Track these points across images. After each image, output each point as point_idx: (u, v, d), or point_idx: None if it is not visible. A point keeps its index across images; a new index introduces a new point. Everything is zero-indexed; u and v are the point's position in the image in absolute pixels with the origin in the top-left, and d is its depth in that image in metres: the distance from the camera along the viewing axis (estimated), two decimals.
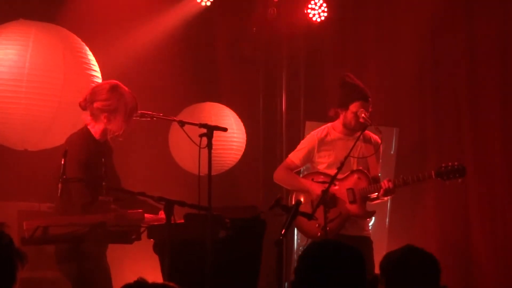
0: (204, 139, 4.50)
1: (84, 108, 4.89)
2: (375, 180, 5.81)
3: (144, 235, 4.50)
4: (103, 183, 4.37)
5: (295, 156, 6.02)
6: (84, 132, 4.88)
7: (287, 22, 8.01)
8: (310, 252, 3.00)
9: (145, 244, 4.57)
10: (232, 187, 7.61)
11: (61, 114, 5.37)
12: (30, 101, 5.30)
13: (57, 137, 5.27)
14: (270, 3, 7.92)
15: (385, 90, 7.72)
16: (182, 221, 4.40)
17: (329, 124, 6.02)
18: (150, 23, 7.34)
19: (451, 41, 7.83)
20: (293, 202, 5.67)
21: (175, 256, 4.16)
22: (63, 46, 5.50)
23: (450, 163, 5.73)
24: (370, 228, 6.09)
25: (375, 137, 5.96)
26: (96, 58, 5.70)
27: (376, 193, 5.75)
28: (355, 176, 5.80)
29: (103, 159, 4.53)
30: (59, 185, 4.37)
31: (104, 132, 4.89)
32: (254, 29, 8.06)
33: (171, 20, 7.52)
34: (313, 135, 6.01)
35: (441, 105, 7.88)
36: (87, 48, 5.67)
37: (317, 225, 5.50)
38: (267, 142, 8.12)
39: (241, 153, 7.17)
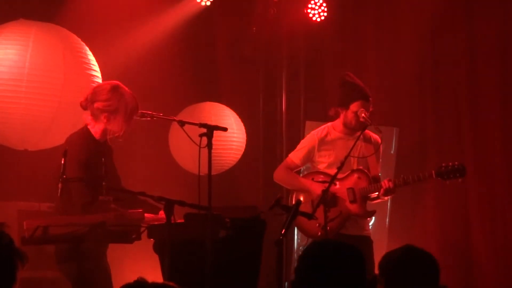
0: (204, 139, 4.50)
1: (84, 107, 4.89)
2: (376, 180, 5.80)
3: (144, 235, 4.49)
4: (103, 183, 4.37)
5: (295, 156, 6.01)
6: (84, 132, 4.88)
7: (287, 22, 8.01)
8: (311, 252, 3.00)
9: (145, 244, 4.57)
10: (232, 187, 7.61)
11: (61, 114, 5.37)
12: (30, 101, 5.29)
13: (57, 137, 5.27)
14: (270, 3, 7.93)
15: (385, 90, 7.72)
16: (182, 220, 4.40)
17: (329, 124, 6.01)
18: (150, 23, 7.34)
19: (451, 41, 7.83)
20: (294, 202, 5.67)
21: (175, 256, 4.16)
22: (63, 46, 5.49)
23: (450, 163, 5.73)
24: (370, 227, 6.09)
25: (375, 137, 5.95)
26: (96, 58, 5.70)
27: (377, 193, 5.75)
28: (356, 175, 5.80)
29: (103, 159, 4.53)
30: (59, 185, 4.38)
31: (104, 132, 4.89)
32: (254, 29, 8.06)
33: (171, 20, 7.52)
34: (313, 135, 6.01)
35: (441, 105, 7.88)
36: (87, 48, 5.67)
37: (317, 224, 5.50)
38: (267, 142, 8.12)
39: (241, 153, 7.16)
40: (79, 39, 5.69)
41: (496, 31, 7.70)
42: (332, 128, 5.96)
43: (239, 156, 7.16)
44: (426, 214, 7.74)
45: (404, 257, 3.35)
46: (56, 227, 4.33)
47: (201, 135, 4.52)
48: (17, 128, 5.39)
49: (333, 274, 2.88)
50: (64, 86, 5.36)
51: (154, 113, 4.92)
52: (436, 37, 7.89)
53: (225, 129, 4.85)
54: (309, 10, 7.92)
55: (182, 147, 6.75)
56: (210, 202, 4.33)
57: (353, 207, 5.76)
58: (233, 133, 6.94)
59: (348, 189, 5.76)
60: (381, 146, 5.95)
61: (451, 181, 5.72)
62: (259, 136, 8.07)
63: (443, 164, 5.74)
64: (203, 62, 7.97)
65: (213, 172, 4.55)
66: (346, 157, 5.41)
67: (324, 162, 5.90)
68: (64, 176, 4.37)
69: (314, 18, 7.93)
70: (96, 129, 4.88)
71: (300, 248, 7.31)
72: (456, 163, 5.73)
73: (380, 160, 6.04)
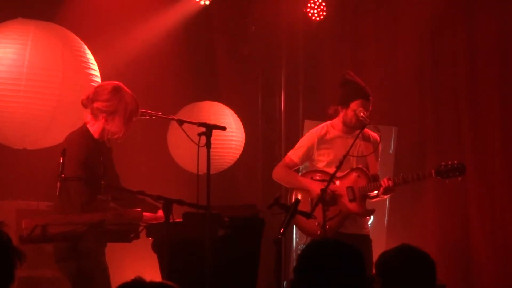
0: (203, 138, 4.50)
1: (85, 106, 4.89)
2: (375, 178, 5.80)
3: (142, 234, 4.49)
4: (102, 182, 4.36)
5: (294, 154, 6.00)
6: (83, 131, 4.87)
7: (286, 21, 8.00)
8: (310, 251, 2.99)
9: (144, 243, 4.57)
10: (231, 186, 7.61)
11: (60, 113, 5.37)
12: (28, 100, 5.29)
13: (56, 136, 5.26)
14: (269, 2, 7.92)
15: (385, 89, 7.71)
16: (181, 220, 4.39)
17: (328, 122, 6.00)
18: (149, 22, 7.34)
19: (451, 41, 7.83)
20: (293, 201, 5.66)
21: (173, 255, 4.16)
22: (62, 45, 5.49)
23: (449, 162, 5.73)
24: (369, 226, 6.09)
25: (374, 135, 5.95)
26: (95, 57, 5.70)
27: (376, 192, 5.75)
28: (355, 174, 5.79)
29: (102, 158, 4.53)
30: (58, 184, 4.37)
31: (103, 131, 4.88)
32: (253, 28, 8.06)
33: (170, 19, 7.52)
34: (312, 133, 6.00)
35: (441, 104, 7.88)
36: (86, 47, 5.66)
37: (316, 223, 5.49)
38: (266, 141, 8.12)
39: (239, 152, 7.16)
40: (78, 38, 5.68)
41: (496, 31, 7.70)
42: (331, 127, 5.95)
43: (237, 155, 7.16)
44: (425, 213, 7.74)
45: (400, 256, 3.35)
46: (55, 226, 4.32)
47: (200, 134, 4.51)
48: (16, 127, 5.38)
49: (332, 274, 2.87)
50: (62, 85, 5.36)
51: (153, 112, 4.93)
52: (436, 37, 7.89)
53: (224, 128, 4.86)
54: (308, 9, 7.91)
55: (181, 146, 6.75)
56: (208, 201, 4.32)
57: (353, 206, 5.75)
58: (232, 132, 6.94)
59: (347, 187, 5.76)
60: (379, 144, 5.94)
61: (451, 180, 5.72)
62: (258, 135, 8.07)
63: (443, 163, 5.73)
64: (202, 61, 7.97)
65: (212, 171, 4.55)
66: (345, 156, 5.40)
67: (323, 160, 5.89)
68: (63, 175, 4.36)
69: (313, 18, 7.93)
70: (95, 128, 4.87)
71: (299, 247, 7.31)
72: (455, 161, 5.73)
73: (379, 159, 6.04)
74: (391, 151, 7.70)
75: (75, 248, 4.40)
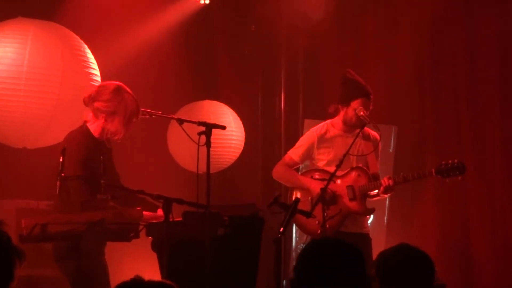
0: (203, 137, 4.51)
1: (86, 104, 4.90)
2: (375, 177, 5.79)
3: (142, 233, 4.49)
4: (102, 181, 4.36)
5: (294, 153, 6.00)
6: (83, 130, 4.88)
7: (286, 20, 8.00)
8: (310, 251, 2.99)
9: (144, 242, 4.57)
10: (230, 185, 7.61)
11: (60, 112, 5.37)
12: (28, 99, 5.29)
13: (56, 135, 5.26)
14: (269, 1, 7.91)
15: (385, 88, 7.69)
16: (181, 219, 4.39)
17: (328, 121, 6.00)
18: (149, 21, 7.34)
19: (451, 41, 7.82)
20: (293, 200, 5.66)
21: (173, 254, 4.15)
22: (61, 44, 5.48)
23: (450, 161, 5.73)
24: (368, 225, 6.08)
25: (374, 134, 5.95)
26: (95, 56, 5.69)
27: (376, 190, 5.74)
28: (355, 173, 5.79)
29: (101, 157, 4.52)
30: (58, 183, 4.37)
31: (103, 131, 4.88)
32: (253, 27, 8.06)
33: (169, 18, 7.52)
34: (312, 132, 6.00)
35: (441, 104, 7.87)
36: (85, 46, 5.66)
37: (316, 222, 5.49)
38: (266, 140, 8.12)
39: (239, 151, 7.16)
40: (78, 37, 5.68)
41: (496, 31, 7.69)
42: (331, 126, 5.95)
43: (237, 154, 7.16)
44: (425, 212, 7.73)
45: (399, 256, 3.34)
46: (55, 225, 4.32)
47: (199, 133, 4.52)
48: (16, 126, 5.38)
49: (332, 273, 2.87)
50: (62, 84, 5.35)
51: (152, 111, 4.93)
52: (436, 37, 7.88)
53: (223, 127, 4.86)
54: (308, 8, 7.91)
55: (181, 145, 6.75)
56: (208, 200, 4.33)
57: (353, 205, 5.75)
58: (231, 131, 6.94)
59: (347, 186, 5.75)
60: (379, 143, 5.94)
61: (451, 179, 5.72)
62: (258, 134, 8.07)
63: (443, 162, 5.73)
64: (201, 61, 7.97)
65: (212, 170, 4.55)
66: (345, 155, 5.40)
67: (323, 159, 5.89)
68: (63, 174, 4.35)
69: (313, 17, 7.92)
70: (95, 127, 4.87)
71: (299, 246, 7.31)
72: (455, 160, 5.73)
73: (379, 158, 6.04)
74: (391, 150, 7.69)
75: (75, 247, 4.39)
